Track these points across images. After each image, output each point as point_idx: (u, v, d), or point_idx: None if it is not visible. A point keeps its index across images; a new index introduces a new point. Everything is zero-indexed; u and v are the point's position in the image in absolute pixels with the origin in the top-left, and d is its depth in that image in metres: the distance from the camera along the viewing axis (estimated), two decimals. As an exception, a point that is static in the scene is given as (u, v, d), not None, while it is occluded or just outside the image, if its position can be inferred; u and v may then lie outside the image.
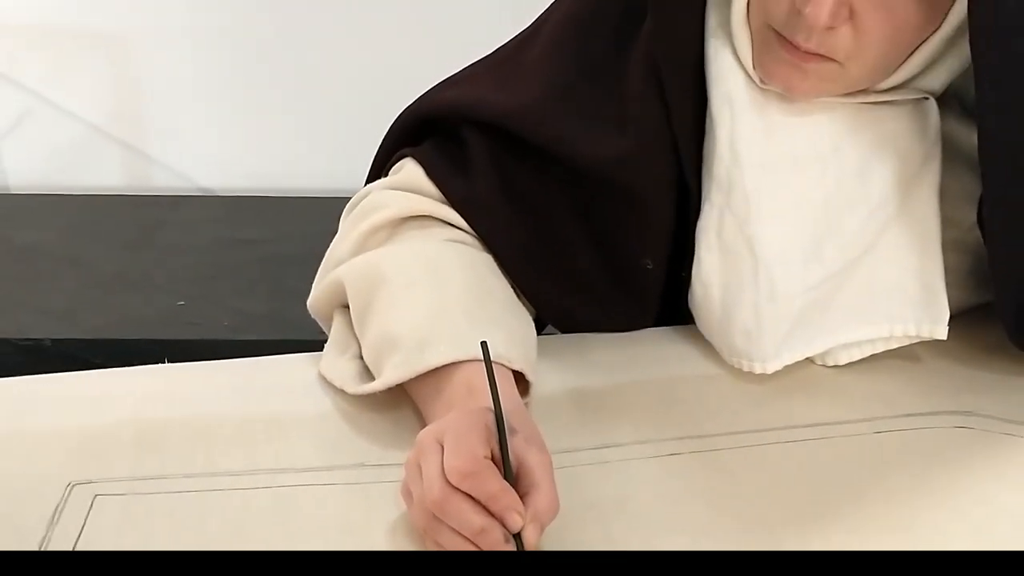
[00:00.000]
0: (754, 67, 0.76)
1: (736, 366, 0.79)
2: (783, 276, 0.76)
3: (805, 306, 0.77)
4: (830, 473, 0.71)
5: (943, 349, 0.83)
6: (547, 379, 0.79)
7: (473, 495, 0.59)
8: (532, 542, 0.59)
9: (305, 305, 0.88)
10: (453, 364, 0.71)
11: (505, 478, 0.60)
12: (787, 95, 0.76)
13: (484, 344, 0.64)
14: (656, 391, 0.79)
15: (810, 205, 0.77)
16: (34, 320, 1.91)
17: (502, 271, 0.84)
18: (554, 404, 0.77)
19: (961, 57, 0.74)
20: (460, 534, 0.59)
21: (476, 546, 0.59)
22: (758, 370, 0.78)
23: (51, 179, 2.54)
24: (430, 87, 0.92)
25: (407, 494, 0.63)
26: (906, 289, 0.79)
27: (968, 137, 0.76)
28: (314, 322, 0.88)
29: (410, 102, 0.92)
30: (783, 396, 0.79)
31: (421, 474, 0.61)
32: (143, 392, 0.79)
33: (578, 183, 0.82)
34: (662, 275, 0.84)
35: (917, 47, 0.73)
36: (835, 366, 0.81)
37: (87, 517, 0.66)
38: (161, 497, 0.68)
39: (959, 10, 0.70)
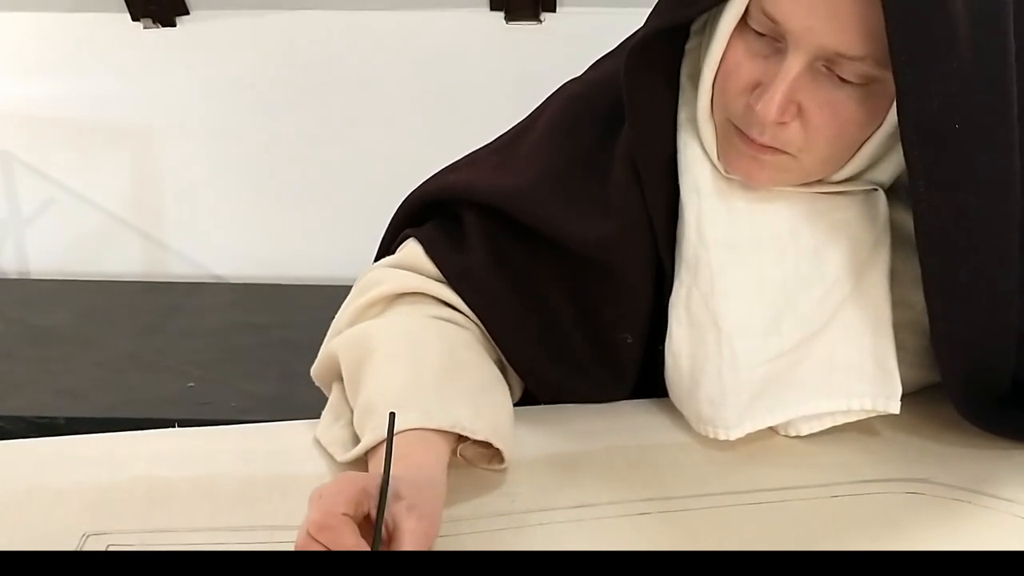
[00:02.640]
0: (718, 157, 0.83)
1: (703, 433, 0.85)
2: (744, 348, 0.82)
3: (766, 377, 0.83)
4: (788, 533, 0.75)
5: (900, 422, 0.88)
6: (528, 444, 0.84)
7: (329, 547, 0.63)
8: None
9: (310, 389, 0.93)
10: (402, 432, 0.75)
11: (375, 538, 0.64)
12: (748, 184, 0.83)
13: (392, 415, 0.70)
14: (629, 457, 0.85)
15: (769, 283, 0.83)
16: (49, 399, 1.97)
17: (492, 341, 0.90)
18: (534, 467, 0.83)
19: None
20: None
21: None
22: (722, 436, 0.83)
23: (71, 265, 2.62)
24: (434, 172, 1.00)
25: None
26: (862, 366, 0.84)
27: (906, 221, 0.83)
28: (319, 404, 0.93)
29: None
30: (748, 463, 0.84)
31: None
32: (154, 453, 0.85)
33: (565, 261, 0.89)
34: (640, 349, 0.90)
35: (864, 143, 0.80)
36: (797, 436, 0.86)
37: (100, 564, 0.71)
38: (168, 549, 0.72)
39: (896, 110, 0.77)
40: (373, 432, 0.77)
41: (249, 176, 2.58)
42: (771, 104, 0.75)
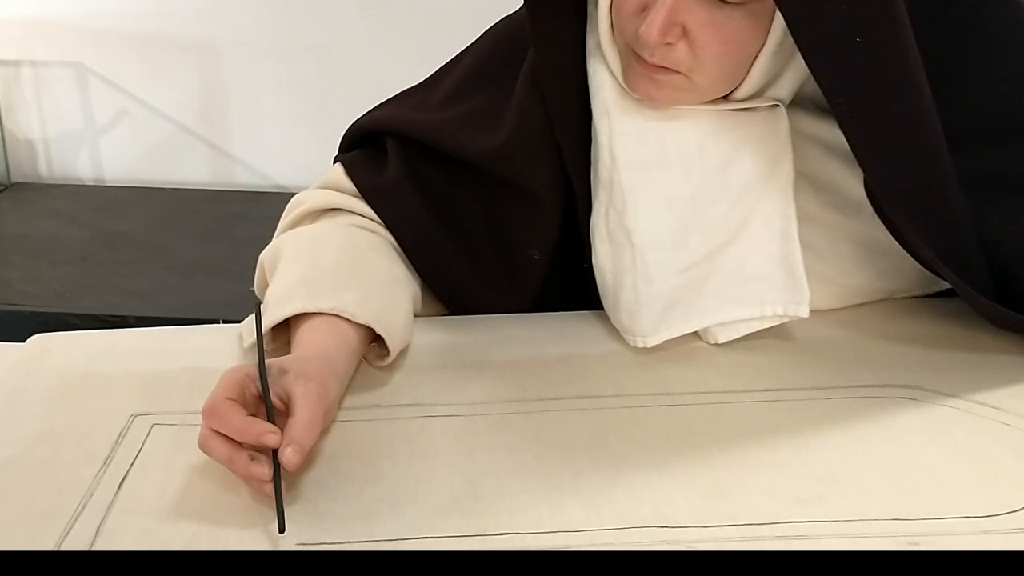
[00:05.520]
0: (623, 80, 0.86)
1: (628, 342, 0.90)
2: (655, 261, 0.86)
3: (678, 288, 0.87)
4: (781, 428, 0.79)
5: (901, 334, 0.92)
6: (544, 347, 0.92)
7: (222, 431, 0.68)
8: (289, 462, 0.67)
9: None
10: (304, 317, 0.82)
11: (268, 412, 0.70)
12: (651, 103, 0.86)
13: (257, 306, 0.76)
14: (636, 358, 0.90)
15: (678, 200, 0.87)
16: (120, 299, 2.06)
17: (404, 252, 0.95)
18: (548, 364, 0.89)
19: (799, 68, 0.84)
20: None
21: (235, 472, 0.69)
22: (640, 344, 0.88)
23: (142, 173, 2.70)
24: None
25: None
26: (772, 275, 0.88)
27: (828, 132, 0.87)
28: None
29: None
30: (748, 367, 0.88)
31: None
32: (200, 347, 0.92)
33: (476, 178, 0.94)
34: (548, 265, 0.96)
35: (754, 61, 0.82)
36: (715, 344, 0.91)
37: (145, 441, 0.78)
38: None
39: (779, 27, 0.79)
40: (251, 323, 0.83)
41: (312, 91, 2.62)
42: (652, 27, 0.78)
